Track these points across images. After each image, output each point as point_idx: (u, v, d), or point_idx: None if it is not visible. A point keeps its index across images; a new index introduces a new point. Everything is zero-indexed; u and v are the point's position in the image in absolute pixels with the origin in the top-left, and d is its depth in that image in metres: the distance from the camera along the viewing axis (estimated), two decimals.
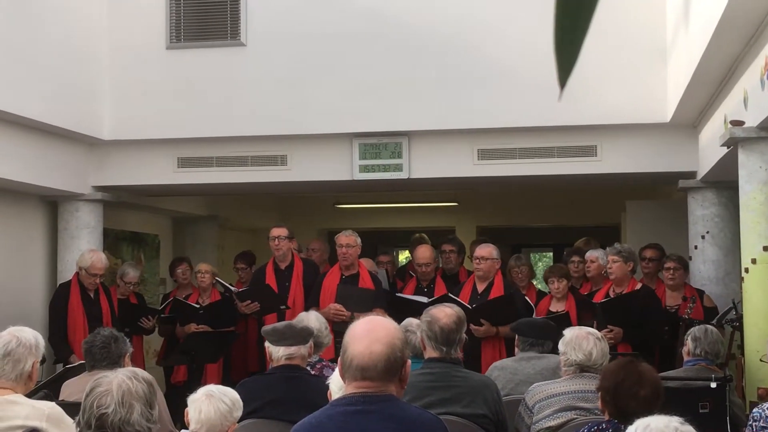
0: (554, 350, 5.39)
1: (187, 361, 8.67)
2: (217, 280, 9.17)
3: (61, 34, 8.50)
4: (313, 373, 5.21)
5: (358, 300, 7.91)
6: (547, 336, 5.75)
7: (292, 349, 4.95)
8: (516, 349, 5.86)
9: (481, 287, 7.92)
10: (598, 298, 7.75)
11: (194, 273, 9.30)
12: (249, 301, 8.35)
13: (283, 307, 8.18)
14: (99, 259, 8.43)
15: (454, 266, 8.93)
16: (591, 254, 8.42)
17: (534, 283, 9.23)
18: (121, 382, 2.98)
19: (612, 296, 7.66)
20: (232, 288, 8.74)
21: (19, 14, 7.93)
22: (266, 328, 5.19)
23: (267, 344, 5.04)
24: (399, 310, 7.98)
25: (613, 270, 7.59)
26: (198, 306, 8.91)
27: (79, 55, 8.82)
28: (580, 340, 4.89)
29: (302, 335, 5.00)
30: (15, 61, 7.87)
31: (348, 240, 8.18)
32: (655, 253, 8.41)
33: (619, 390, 3.87)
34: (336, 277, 8.18)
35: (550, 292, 8.25)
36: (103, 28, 9.09)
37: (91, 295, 8.41)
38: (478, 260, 7.95)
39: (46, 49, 8.27)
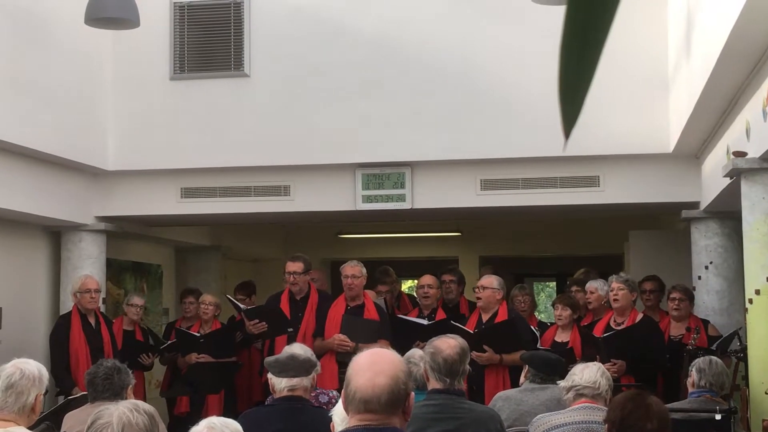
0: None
1: (189, 392, 8.64)
2: (228, 298, 9.15)
3: (65, 65, 8.53)
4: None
5: (363, 331, 7.89)
6: (556, 372, 5.74)
7: (295, 381, 4.92)
8: (522, 379, 5.84)
9: (485, 317, 7.92)
10: (599, 329, 7.73)
11: (198, 304, 9.27)
12: (257, 321, 8.31)
13: (290, 329, 8.15)
14: (88, 276, 8.53)
15: (455, 296, 8.93)
16: (591, 285, 8.40)
17: (535, 315, 9.23)
18: (121, 414, 2.97)
19: (613, 326, 7.65)
20: (242, 306, 8.72)
21: (24, 45, 7.97)
22: (269, 359, 5.17)
23: (269, 375, 5.02)
24: (399, 332, 8.04)
25: (619, 298, 7.57)
26: (198, 335, 8.87)
27: (83, 86, 8.86)
28: (586, 368, 4.91)
29: (305, 367, 4.98)
30: (19, 93, 7.90)
31: (353, 270, 8.16)
32: (654, 285, 8.42)
33: (625, 423, 3.85)
34: (341, 308, 8.16)
35: (555, 322, 8.24)
36: (107, 59, 9.14)
37: (93, 324, 8.40)
38: (478, 289, 7.97)
39: (50, 80, 8.30)
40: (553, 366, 5.79)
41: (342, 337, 7.86)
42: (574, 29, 1.26)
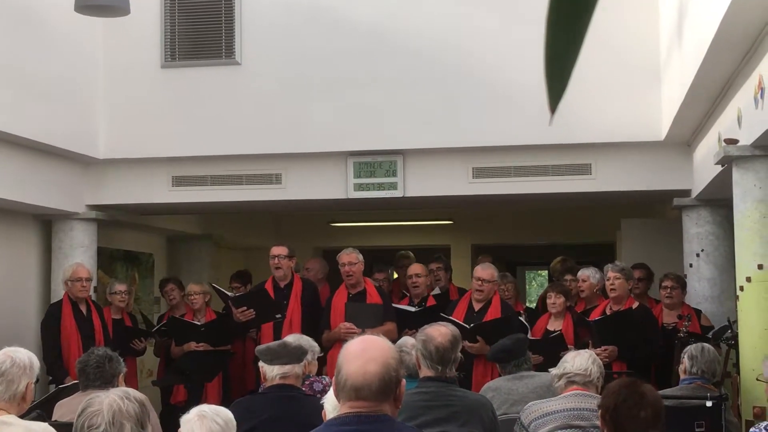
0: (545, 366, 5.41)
1: (182, 381, 8.63)
2: (214, 287, 9.11)
3: (56, 54, 8.50)
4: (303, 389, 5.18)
5: (368, 316, 7.89)
6: (523, 352, 5.76)
7: (286, 368, 4.92)
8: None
9: (477, 306, 7.87)
10: (595, 317, 7.73)
11: (185, 295, 9.23)
12: (244, 308, 8.29)
13: (278, 316, 8.14)
14: (79, 264, 8.52)
15: (444, 284, 8.93)
16: (583, 273, 8.39)
17: (521, 302, 9.23)
18: (112, 402, 2.97)
19: (608, 314, 7.64)
20: (229, 294, 8.70)
21: (14, 34, 7.93)
22: (260, 347, 5.17)
23: (261, 364, 5.02)
24: None
25: (616, 287, 7.56)
26: (200, 324, 8.84)
27: (74, 74, 8.82)
28: (577, 355, 4.93)
29: (296, 354, 4.97)
30: (10, 81, 7.87)
31: (350, 258, 8.15)
32: (642, 273, 8.43)
33: (619, 410, 3.86)
34: (343, 297, 8.15)
35: (548, 310, 8.23)
36: (98, 47, 9.10)
37: (84, 312, 8.38)
38: (480, 282, 7.85)
39: (40, 68, 8.27)
40: (514, 351, 5.77)
41: (348, 325, 7.83)
42: (560, 2, 1.26)
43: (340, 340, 7.74)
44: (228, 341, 8.80)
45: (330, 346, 7.72)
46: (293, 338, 5.64)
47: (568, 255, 10.27)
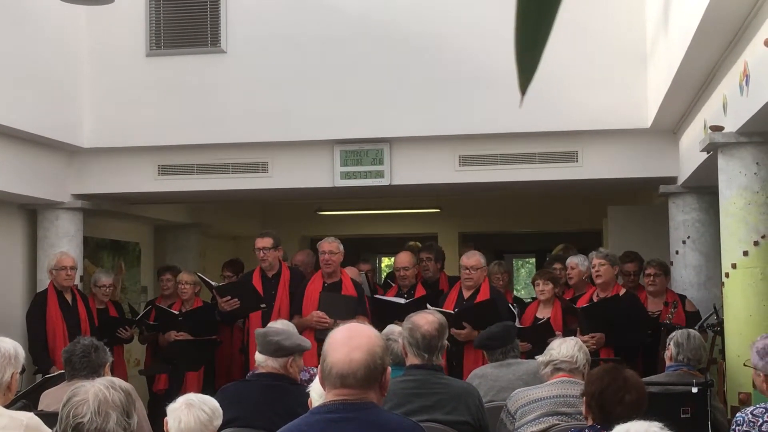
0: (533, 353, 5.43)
1: (168, 370, 8.62)
2: (200, 276, 9.10)
3: (40, 42, 8.45)
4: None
5: (341, 307, 7.87)
6: (512, 339, 5.78)
7: (260, 358, 4.93)
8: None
9: (467, 294, 7.90)
10: (582, 304, 7.74)
11: (177, 283, 9.20)
12: (229, 297, 8.26)
13: (263, 305, 8.12)
14: (64, 253, 8.49)
15: (433, 274, 8.90)
16: (571, 261, 8.41)
17: (513, 291, 9.22)
18: (97, 391, 2.96)
19: (595, 301, 7.65)
20: (213, 283, 8.67)
21: None
22: (258, 330, 5.17)
23: None
24: (377, 312, 8.02)
25: (601, 273, 7.57)
26: (177, 313, 8.83)
27: (59, 62, 8.78)
28: (563, 342, 4.94)
29: (268, 347, 4.92)
30: None
31: (330, 247, 8.13)
32: (635, 266, 8.43)
33: (604, 395, 3.87)
34: (318, 285, 8.12)
35: (536, 298, 8.23)
36: (82, 36, 9.05)
37: (69, 301, 8.35)
38: (467, 270, 7.87)
39: (25, 56, 8.22)
40: (502, 337, 5.79)
41: (320, 314, 7.83)
42: None
43: (311, 328, 7.75)
44: (212, 331, 8.77)
45: (299, 332, 7.69)
46: (281, 324, 5.64)
47: (553, 243, 10.27)
